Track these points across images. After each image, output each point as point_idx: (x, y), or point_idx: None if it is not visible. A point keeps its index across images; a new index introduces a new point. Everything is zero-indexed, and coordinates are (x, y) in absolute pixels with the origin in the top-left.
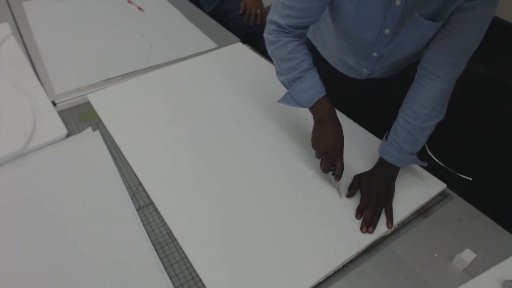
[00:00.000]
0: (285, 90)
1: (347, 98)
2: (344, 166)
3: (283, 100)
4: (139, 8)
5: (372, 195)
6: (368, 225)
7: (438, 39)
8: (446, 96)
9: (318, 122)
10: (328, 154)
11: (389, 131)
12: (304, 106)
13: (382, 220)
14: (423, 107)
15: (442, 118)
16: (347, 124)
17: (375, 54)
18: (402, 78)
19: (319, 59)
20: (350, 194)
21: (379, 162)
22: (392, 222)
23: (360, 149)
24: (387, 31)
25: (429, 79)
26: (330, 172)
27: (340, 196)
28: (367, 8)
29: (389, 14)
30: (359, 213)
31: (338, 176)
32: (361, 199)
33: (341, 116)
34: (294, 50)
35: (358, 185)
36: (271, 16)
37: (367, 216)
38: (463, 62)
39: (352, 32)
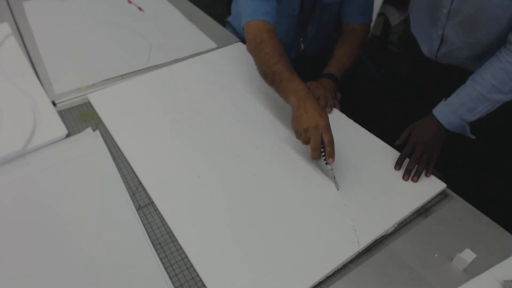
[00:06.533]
0: None
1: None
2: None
3: None
4: (139, 8)
5: (418, 148)
6: (409, 173)
7: None
8: None
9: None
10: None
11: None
12: None
13: (382, 218)
14: (493, 77)
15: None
16: (349, 126)
17: (444, 11)
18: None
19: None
20: (399, 142)
21: (430, 118)
22: (431, 172)
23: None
24: None
25: (506, 53)
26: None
27: (338, 190)
28: None
29: None
30: (399, 164)
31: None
32: (405, 150)
33: (342, 118)
34: None
35: (408, 136)
36: None
37: (410, 167)
38: None
39: None
